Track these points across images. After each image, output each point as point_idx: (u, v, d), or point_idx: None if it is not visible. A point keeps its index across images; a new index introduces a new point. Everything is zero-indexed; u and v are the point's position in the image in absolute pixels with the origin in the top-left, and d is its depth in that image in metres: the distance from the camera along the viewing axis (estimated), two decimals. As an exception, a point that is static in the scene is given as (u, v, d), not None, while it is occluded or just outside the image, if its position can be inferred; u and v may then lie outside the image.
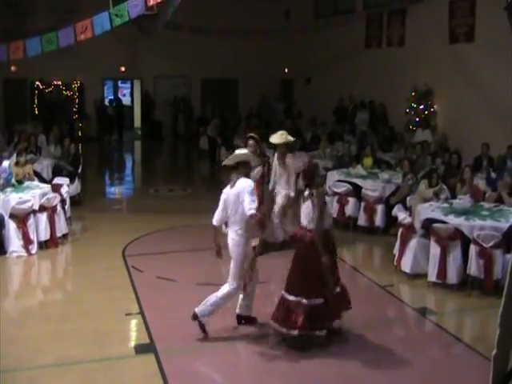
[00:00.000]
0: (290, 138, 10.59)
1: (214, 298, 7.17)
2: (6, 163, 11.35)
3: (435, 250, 8.99)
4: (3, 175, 11.02)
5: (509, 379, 3.41)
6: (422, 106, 16.46)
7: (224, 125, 20.67)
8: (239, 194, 7.01)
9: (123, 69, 25.20)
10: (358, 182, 12.30)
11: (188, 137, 24.92)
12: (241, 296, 7.46)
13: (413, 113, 16.61)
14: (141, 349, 7.02)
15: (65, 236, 11.24)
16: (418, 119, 16.47)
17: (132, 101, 27.28)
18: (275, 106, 24.30)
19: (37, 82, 24.09)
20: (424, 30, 16.62)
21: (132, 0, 10.35)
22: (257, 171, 9.84)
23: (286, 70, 25.39)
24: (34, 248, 10.42)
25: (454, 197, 10.55)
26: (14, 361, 6.62)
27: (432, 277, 9.01)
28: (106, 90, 27.07)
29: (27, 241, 10.30)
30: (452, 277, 8.89)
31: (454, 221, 9.08)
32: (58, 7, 21.83)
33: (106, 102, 25.76)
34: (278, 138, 10.52)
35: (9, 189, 10.92)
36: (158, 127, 25.69)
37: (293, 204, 9.01)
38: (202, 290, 8.56)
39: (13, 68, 22.25)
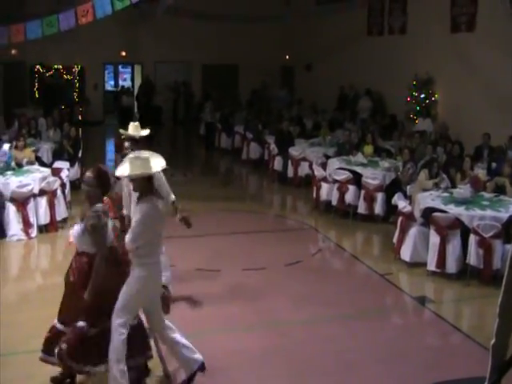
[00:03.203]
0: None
1: None
2: (5, 146, 11.34)
3: (435, 239, 9.01)
4: (3, 158, 11.02)
5: (507, 368, 3.42)
6: (422, 95, 16.41)
7: (223, 111, 20.62)
8: None
9: (124, 53, 25.10)
10: (358, 169, 12.29)
11: (188, 122, 24.84)
12: None
13: (414, 101, 16.57)
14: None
15: (65, 220, 11.27)
16: (418, 108, 16.43)
17: (132, 86, 27.16)
18: (278, 92, 24.20)
19: (37, 66, 23.98)
20: (426, 18, 16.54)
21: (134, -16, 10.30)
22: None
23: (287, 57, 25.30)
24: (33, 232, 10.45)
25: (454, 186, 10.54)
26: (11, 345, 6.63)
27: (431, 266, 9.03)
28: (107, 75, 27.00)
29: (27, 224, 10.32)
30: (451, 266, 8.91)
31: (453, 210, 9.09)
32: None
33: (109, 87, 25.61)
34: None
35: (9, 172, 10.92)
36: (158, 112, 25.58)
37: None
38: (202, 275, 8.62)
39: (13, 51, 22.15)
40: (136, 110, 25.69)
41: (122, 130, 7.80)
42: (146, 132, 7.71)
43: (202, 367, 5.96)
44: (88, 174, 5.62)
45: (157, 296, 5.78)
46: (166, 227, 5.91)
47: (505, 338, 3.47)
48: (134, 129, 7.65)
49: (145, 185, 5.47)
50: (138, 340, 5.77)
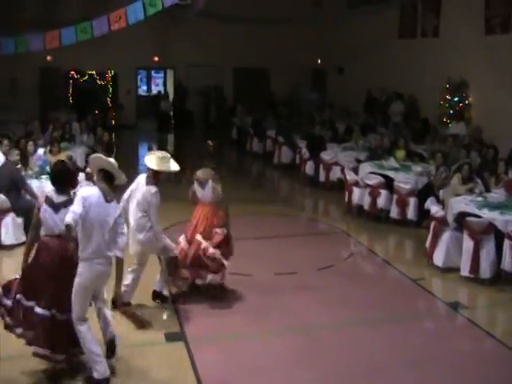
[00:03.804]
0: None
1: None
2: (40, 151, 11.52)
3: (468, 243, 8.91)
4: (38, 163, 11.19)
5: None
6: (456, 98, 16.25)
7: (254, 115, 20.68)
8: None
9: (156, 58, 25.32)
10: (391, 174, 12.21)
11: (220, 126, 24.93)
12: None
13: (447, 105, 16.41)
14: (171, 336, 7.12)
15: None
16: (451, 111, 16.27)
17: (165, 90, 27.38)
18: (310, 95, 24.16)
19: (71, 72, 24.34)
20: (459, 20, 16.38)
21: (166, -11, 10.41)
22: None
23: (319, 61, 25.26)
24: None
25: (488, 191, 10.42)
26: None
27: (464, 271, 8.94)
28: (140, 80, 27.29)
29: (61, 227, 10.42)
30: (485, 271, 8.80)
31: (487, 215, 8.98)
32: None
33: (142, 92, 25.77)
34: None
35: (43, 176, 11.09)
36: (190, 116, 25.73)
37: None
38: (234, 279, 8.64)
39: (48, 57, 22.53)
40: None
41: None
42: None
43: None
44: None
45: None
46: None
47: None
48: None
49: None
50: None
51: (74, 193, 6.00)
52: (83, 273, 5.84)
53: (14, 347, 6.23)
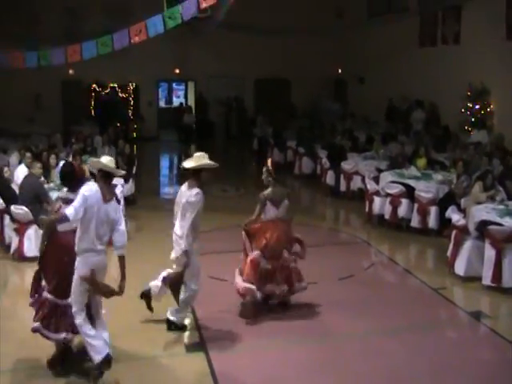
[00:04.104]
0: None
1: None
2: (62, 163, 11.62)
3: (490, 252, 8.83)
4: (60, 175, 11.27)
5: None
6: (477, 106, 16.13)
7: (276, 126, 20.73)
8: None
9: (177, 70, 25.52)
10: (411, 183, 12.15)
11: (241, 137, 25.02)
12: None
13: (468, 112, 16.30)
14: (191, 347, 7.15)
15: (119, 235, 11.43)
16: (473, 119, 16.15)
17: (186, 102, 27.55)
18: (331, 106, 24.16)
19: (93, 84, 24.62)
20: (480, 26, 16.31)
21: (185, 3, 10.49)
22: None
23: (340, 71, 25.25)
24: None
25: (510, 199, 10.31)
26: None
27: (486, 280, 8.85)
28: (161, 92, 27.52)
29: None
30: (508, 280, 8.71)
31: (509, 223, 8.88)
32: (112, 10, 22.23)
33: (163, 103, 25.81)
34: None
35: (65, 188, 11.16)
36: (211, 128, 25.86)
37: None
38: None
39: (70, 71, 22.83)
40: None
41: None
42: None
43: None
44: None
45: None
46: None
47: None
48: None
49: None
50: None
51: None
52: (79, 266, 6.14)
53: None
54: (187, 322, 7.79)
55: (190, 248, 7.21)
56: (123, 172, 6.98)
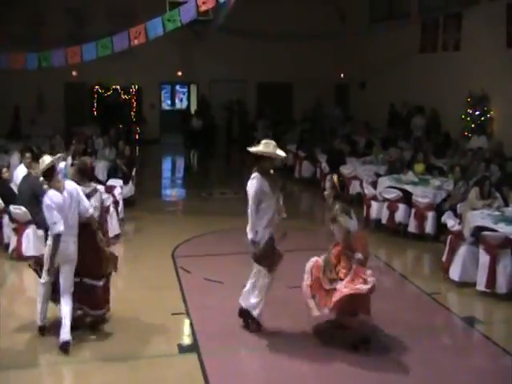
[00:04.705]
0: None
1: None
2: (62, 164, 11.68)
3: (484, 258, 8.85)
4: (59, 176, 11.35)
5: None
6: (477, 112, 16.16)
7: (276, 129, 20.78)
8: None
9: (180, 73, 25.60)
10: (409, 188, 12.17)
11: (242, 140, 25.00)
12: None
13: (468, 119, 16.33)
14: (184, 348, 7.17)
15: (117, 236, 11.52)
16: (473, 125, 16.18)
17: (188, 105, 27.63)
18: (334, 111, 24.19)
19: (96, 86, 24.71)
20: (480, 33, 16.35)
21: (184, 5, 10.56)
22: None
23: (342, 75, 25.32)
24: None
25: (507, 205, 10.34)
26: (61, 356, 6.85)
27: (481, 285, 8.86)
28: (164, 95, 27.60)
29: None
30: (501, 286, 8.72)
31: (504, 229, 8.91)
32: (115, 13, 22.34)
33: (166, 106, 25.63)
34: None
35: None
36: (214, 131, 25.84)
37: None
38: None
39: (74, 73, 22.93)
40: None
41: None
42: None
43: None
44: None
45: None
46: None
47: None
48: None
49: None
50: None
51: (95, 188, 7.98)
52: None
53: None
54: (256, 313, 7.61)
55: (257, 238, 7.23)
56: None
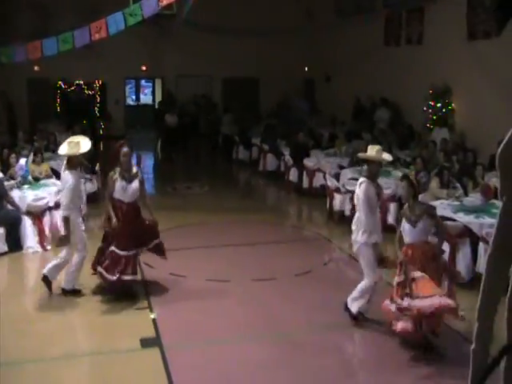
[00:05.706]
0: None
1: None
2: (22, 161, 11.58)
3: (445, 247, 8.96)
4: (20, 172, 11.25)
5: (488, 373, 3.43)
6: (439, 104, 16.34)
7: (241, 123, 20.77)
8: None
9: (144, 68, 25.42)
10: (370, 179, 12.25)
11: (208, 135, 24.89)
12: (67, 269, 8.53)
13: (430, 111, 16.50)
14: (147, 343, 7.17)
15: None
16: (435, 117, 16.36)
17: (153, 100, 27.46)
18: (299, 103, 24.18)
19: (59, 82, 24.41)
20: (442, 27, 16.50)
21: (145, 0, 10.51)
22: None
23: (306, 69, 25.39)
24: (49, 244, 10.62)
25: (467, 195, 10.50)
26: (25, 353, 6.81)
27: (441, 274, 8.98)
28: (129, 90, 27.38)
29: (42, 237, 10.51)
30: (462, 275, 8.85)
31: (463, 219, 9.06)
32: (82, 8, 22.05)
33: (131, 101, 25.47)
34: None
35: (25, 186, 11.14)
36: (189, 127, 25.60)
37: None
38: (212, 285, 8.68)
39: (36, 68, 22.61)
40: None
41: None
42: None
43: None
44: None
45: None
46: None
47: (485, 342, 3.47)
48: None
49: None
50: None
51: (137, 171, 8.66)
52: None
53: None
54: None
55: (364, 241, 7.43)
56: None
